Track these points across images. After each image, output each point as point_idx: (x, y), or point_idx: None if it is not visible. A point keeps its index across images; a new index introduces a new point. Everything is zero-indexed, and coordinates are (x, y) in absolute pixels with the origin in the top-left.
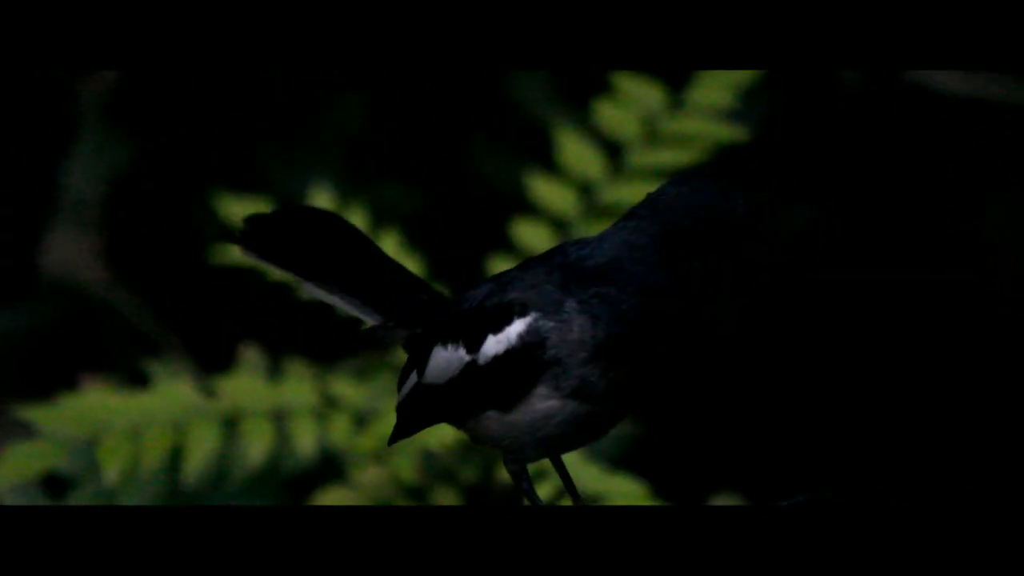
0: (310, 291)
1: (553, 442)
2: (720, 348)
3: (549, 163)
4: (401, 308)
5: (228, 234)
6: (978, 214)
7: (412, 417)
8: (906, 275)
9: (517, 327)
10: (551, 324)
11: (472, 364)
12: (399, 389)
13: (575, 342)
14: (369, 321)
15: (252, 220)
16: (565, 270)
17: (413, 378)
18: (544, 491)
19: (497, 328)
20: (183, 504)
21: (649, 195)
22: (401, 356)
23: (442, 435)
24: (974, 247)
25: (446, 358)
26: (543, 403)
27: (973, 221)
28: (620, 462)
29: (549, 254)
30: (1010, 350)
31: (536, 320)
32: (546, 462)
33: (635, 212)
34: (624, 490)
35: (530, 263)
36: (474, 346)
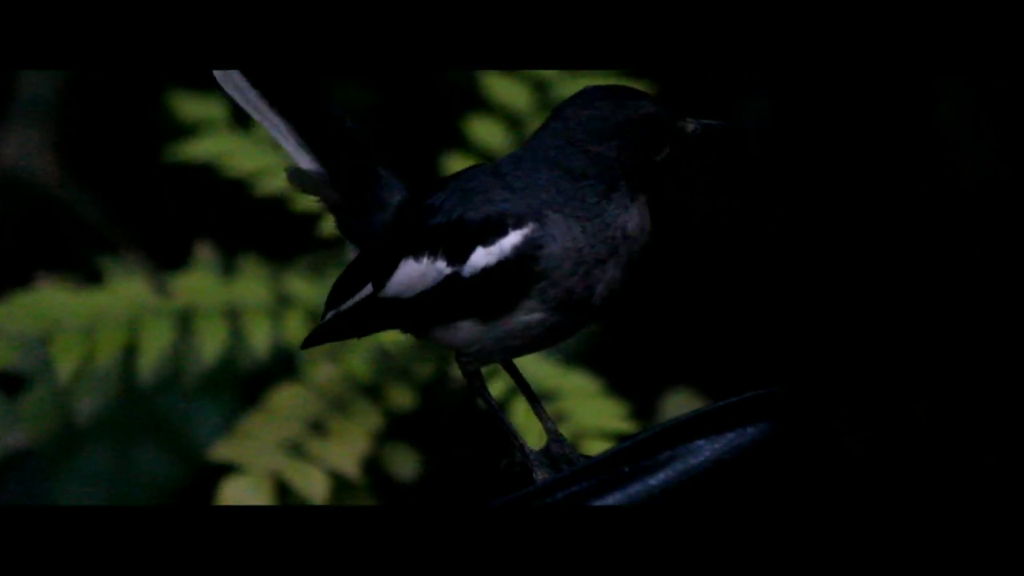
0: (237, 91)
1: (522, 349)
2: (681, 245)
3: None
4: (339, 165)
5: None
6: (932, 102)
7: (356, 327)
8: (863, 168)
9: (512, 239)
10: (543, 235)
11: (454, 276)
12: (335, 295)
13: (563, 253)
14: (298, 160)
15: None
16: (530, 185)
17: (367, 290)
18: (496, 389)
19: (488, 240)
20: (136, 404)
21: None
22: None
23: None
24: (929, 136)
25: (419, 271)
26: (527, 315)
27: (927, 109)
28: (575, 358)
29: (498, 169)
30: (968, 243)
31: (533, 232)
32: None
33: (551, 125)
34: (579, 386)
35: (480, 172)
36: (458, 258)
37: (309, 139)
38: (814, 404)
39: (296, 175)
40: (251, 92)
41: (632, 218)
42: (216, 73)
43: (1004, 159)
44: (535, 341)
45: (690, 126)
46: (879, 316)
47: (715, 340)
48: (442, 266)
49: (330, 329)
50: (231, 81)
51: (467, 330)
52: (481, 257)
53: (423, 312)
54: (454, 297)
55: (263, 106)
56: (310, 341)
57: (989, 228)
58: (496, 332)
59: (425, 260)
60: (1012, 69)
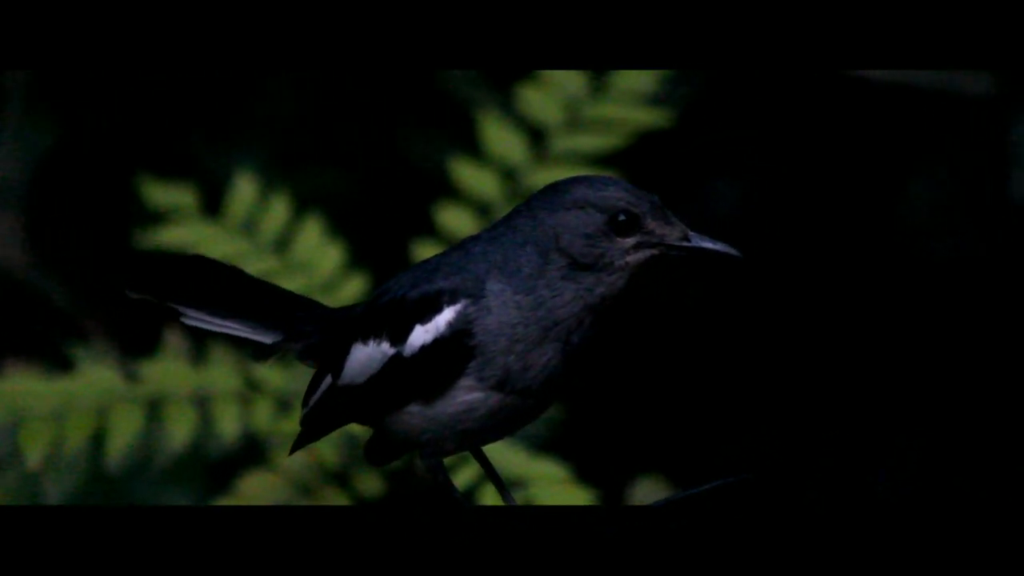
0: (196, 320)
1: (473, 435)
2: (645, 331)
3: (473, 147)
4: (290, 321)
5: (116, 282)
6: (897, 196)
7: (322, 422)
8: (827, 256)
9: (447, 315)
10: (476, 309)
11: (397, 357)
12: (305, 402)
13: (498, 328)
14: (261, 340)
15: (135, 270)
16: (479, 260)
17: (327, 382)
18: (465, 475)
19: (425, 318)
20: (105, 490)
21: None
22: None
23: None
24: (893, 229)
25: (367, 354)
26: (467, 395)
27: (892, 203)
28: (543, 445)
29: (454, 249)
30: (930, 330)
31: (466, 307)
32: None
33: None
34: (547, 474)
35: (440, 254)
36: (399, 338)
37: (262, 320)
38: (785, 488)
39: (261, 353)
40: (204, 314)
41: (574, 305)
42: (182, 320)
43: (976, 237)
44: (485, 427)
45: (669, 239)
46: (849, 398)
47: (685, 426)
48: (386, 347)
49: (305, 431)
50: (186, 315)
51: (415, 415)
52: (419, 335)
53: (374, 397)
54: (398, 379)
55: (217, 320)
56: (294, 449)
57: (963, 307)
58: (442, 416)
59: (372, 343)
60: (977, 150)
